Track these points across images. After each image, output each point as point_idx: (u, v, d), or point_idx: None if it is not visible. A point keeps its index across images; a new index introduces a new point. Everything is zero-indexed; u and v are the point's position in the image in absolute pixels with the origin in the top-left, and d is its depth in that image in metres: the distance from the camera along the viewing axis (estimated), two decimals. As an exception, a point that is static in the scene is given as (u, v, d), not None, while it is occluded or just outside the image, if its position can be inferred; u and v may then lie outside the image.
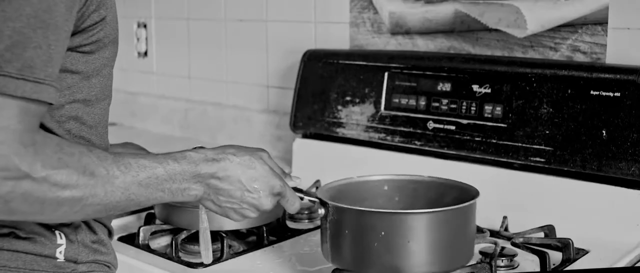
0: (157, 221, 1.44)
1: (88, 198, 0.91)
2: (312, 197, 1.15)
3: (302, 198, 1.14)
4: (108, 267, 1.09)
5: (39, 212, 0.90)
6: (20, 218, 0.92)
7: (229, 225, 1.29)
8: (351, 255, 1.08)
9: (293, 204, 1.10)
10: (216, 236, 1.27)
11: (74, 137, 1.03)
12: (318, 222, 1.48)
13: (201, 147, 1.06)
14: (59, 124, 1.01)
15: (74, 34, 0.97)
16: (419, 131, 1.58)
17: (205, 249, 1.17)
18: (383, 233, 1.04)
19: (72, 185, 0.89)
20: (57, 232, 1.02)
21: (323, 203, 1.11)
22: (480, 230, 1.30)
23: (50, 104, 0.90)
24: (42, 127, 0.99)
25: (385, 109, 1.65)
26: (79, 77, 1.01)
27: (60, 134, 1.01)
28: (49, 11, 0.88)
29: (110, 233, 1.14)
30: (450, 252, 1.08)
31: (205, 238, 1.17)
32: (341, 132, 1.72)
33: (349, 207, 1.09)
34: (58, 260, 1.02)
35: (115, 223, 1.38)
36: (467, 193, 1.14)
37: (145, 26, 2.47)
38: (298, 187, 1.62)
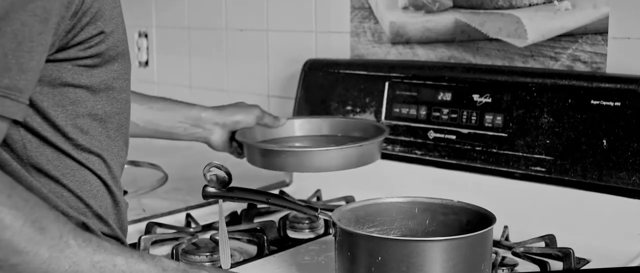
0: (158, 230, 1.44)
1: (29, 253, 0.82)
2: (327, 216, 1.15)
3: (317, 216, 1.14)
4: None
5: None
6: None
7: (332, 164, 1.31)
8: None
9: None
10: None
11: (81, 152, 1.00)
12: (319, 232, 1.48)
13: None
14: (64, 138, 0.98)
15: (68, 47, 0.94)
16: (419, 141, 1.58)
17: (224, 253, 1.17)
18: (379, 258, 1.03)
19: (15, 229, 0.80)
20: None
21: (333, 223, 1.11)
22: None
23: (15, 121, 0.85)
24: (47, 141, 0.97)
25: (386, 118, 1.65)
26: (84, 92, 0.98)
27: (65, 149, 0.98)
28: (5, 18, 0.83)
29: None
30: None
31: (224, 242, 1.17)
32: (342, 141, 1.72)
33: (349, 229, 1.08)
34: None
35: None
36: (486, 224, 1.09)
37: (146, 36, 2.48)
38: (311, 200, 1.62)
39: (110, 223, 1.05)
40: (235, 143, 1.45)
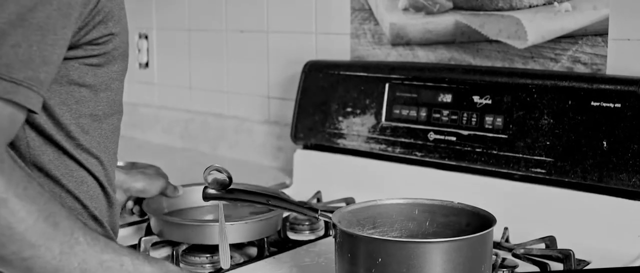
0: (158, 232, 1.44)
1: (41, 247, 0.82)
2: (327, 217, 1.15)
3: (317, 218, 1.14)
4: None
5: None
6: None
7: (231, 237, 1.29)
8: None
9: None
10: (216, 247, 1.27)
11: (82, 152, 1.02)
12: (319, 233, 1.48)
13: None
14: (67, 137, 1.00)
15: (78, 46, 0.96)
16: (419, 142, 1.59)
17: (224, 254, 1.17)
18: (380, 260, 1.03)
19: (29, 222, 0.80)
20: None
21: (333, 225, 1.11)
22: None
23: (32, 111, 0.86)
24: (50, 140, 0.99)
25: (386, 120, 1.65)
26: (88, 91, 1.01)
27: (67, 148, 1.00)
28: (33, 10, 0.84)
29: None
30: None
31: (223, 243, 1.16)
32: (342, 143, 1.72)
33: (349, 231, 1.08)
34: None
35: (116, 234, 1.38)
36: (486, 225, 1.09)
37: (146, 37, 2.48)
38: (312, 202, 1.62)
39: (104, 224, 1.08)
40: (138, 208, 1.44)
